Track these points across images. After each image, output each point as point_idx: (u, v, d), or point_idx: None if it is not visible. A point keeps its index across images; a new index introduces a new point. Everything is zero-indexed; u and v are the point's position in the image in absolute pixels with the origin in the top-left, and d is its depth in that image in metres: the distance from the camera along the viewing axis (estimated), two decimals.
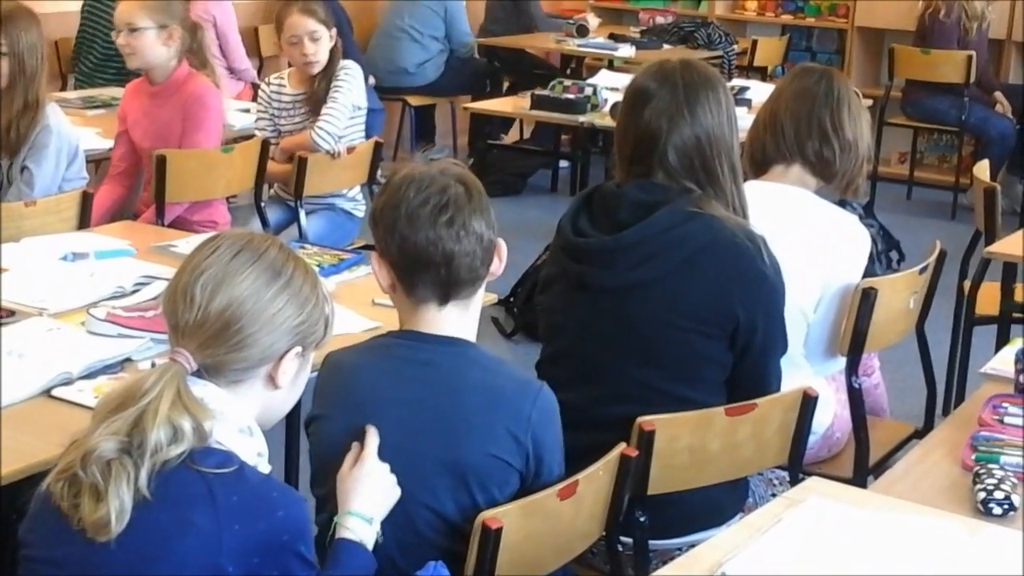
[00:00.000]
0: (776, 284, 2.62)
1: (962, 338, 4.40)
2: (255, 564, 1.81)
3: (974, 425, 2.49)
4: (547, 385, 2.23)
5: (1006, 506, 2.18)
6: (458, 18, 7.88)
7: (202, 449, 1.83)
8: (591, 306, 2.62)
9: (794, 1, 8.81)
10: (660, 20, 8.73)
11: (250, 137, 4.76)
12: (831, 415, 3.14)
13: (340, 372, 2.24)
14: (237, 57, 6.66)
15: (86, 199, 3.83)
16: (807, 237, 3.00)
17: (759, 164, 3.15)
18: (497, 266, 2.23)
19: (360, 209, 4.97)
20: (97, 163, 4.88)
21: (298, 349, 1.97)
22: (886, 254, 5.86)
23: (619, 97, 2.85)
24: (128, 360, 2.66)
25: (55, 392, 2.50)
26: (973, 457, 2.35)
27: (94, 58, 6.00)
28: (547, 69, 8.21)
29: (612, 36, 8.06)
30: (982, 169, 4.59)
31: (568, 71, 8.17)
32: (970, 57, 7.10)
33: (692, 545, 2.31)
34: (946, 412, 4.13)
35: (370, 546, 2.06)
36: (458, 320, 2.21)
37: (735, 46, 7.98)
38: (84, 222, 3.81)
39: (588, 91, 6.19)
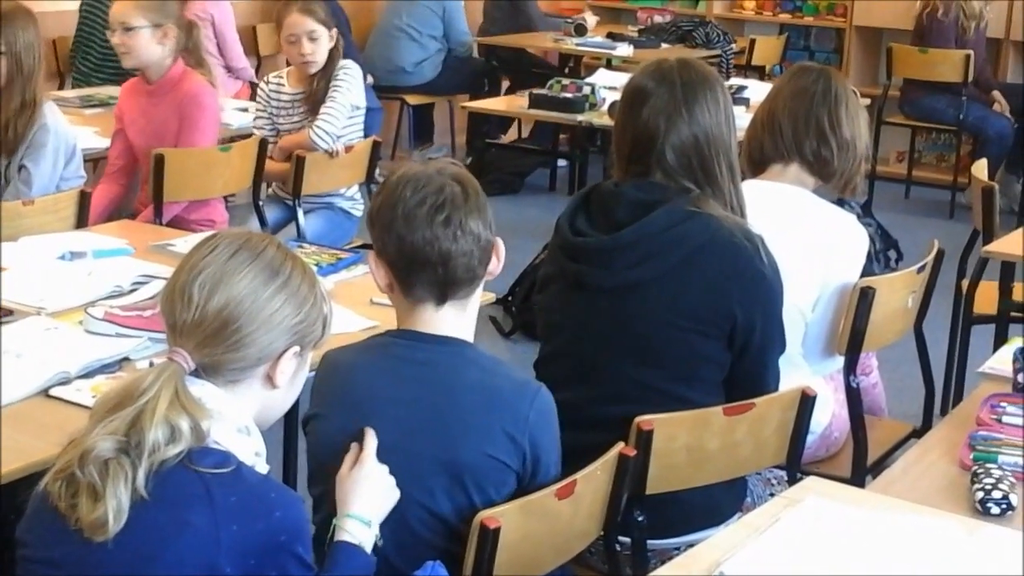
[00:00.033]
0: (774, 283, 2.62)
1: (960, 337, 4.40)
2: (252, 564, 1.81)
3: (972, 424, 2.49)
4: (545, 386, 2.23)
5: (1004, 505, 2.18)
6: (456, 18, 7.88)
7: (200, 449, 1.83)
8: (589, 305, 2.62)
9: (792, 0, 8.82)
10: (658, 19, 8.74)
11: (248, 136, 4.76)
12: (829, 414, 3.14)
13: (337, 371, 2.24)
14: (235, 56, 6.66)
15: (84, 198, 3.82)
16: (805, 236, 3.00)
17: (757, 163, 3.15)
18: (495, 265, 2.23)
19: (358, 208, 4.97)
20: (95, 162, 4.88)
21: (296, 348, 1.97)
22: (884, 253, 5.86)
23: (617, 96, 2.85)
24: (126, 359, 2.66)
25: (53, 391, 2.49)
26: (971, 456, 2.35)
27: (93, 58, 6.00)
28: (546, 68, 8.21)
29: (610, 35, 8.06)
30: (980, 168, 4.60)
31: (566, 70, 8.16)
32: (968, 56, 7.11)
33: (690, 545, 2.31)
34: (944, 411, 4.13)
35: (368, 548, 2.05)
36: (456, 320, 2.21)
37: (733, 45, 7.98)
38: (82, 221, 3.81)
39: (586, 90, 6.19)
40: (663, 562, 2.30)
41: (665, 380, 2.59)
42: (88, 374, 2.57)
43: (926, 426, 3.42)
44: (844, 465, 3.15)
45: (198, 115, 4.38)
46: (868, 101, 6.00)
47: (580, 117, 6.09)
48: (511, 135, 8.34)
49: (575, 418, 2.42)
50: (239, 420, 1.92)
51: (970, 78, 7.17)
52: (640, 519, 2.50)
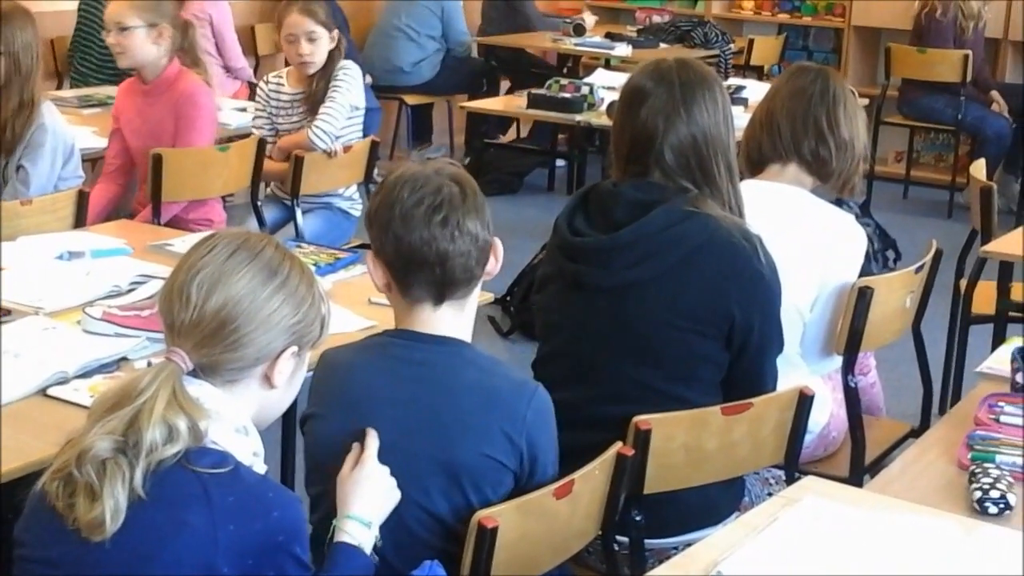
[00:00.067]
0: (772, 283, 2.62)
1: (958, 337, 4.40)
2: (250, 565, 1.81)
3: (970, 424, 2.49)
4: (542, 386, 2.23)
5: (1002, 505, 2.18)
6: (455, 18, 7.88)
7: (197, 449, 1.83)
8: (587, 305, 2.62)
9: (791, 0, 8.82)
10: (657, 19, 8.74)
11: (246, 136, 4.76)
12: (827, 414, 3.14)
13: (335, 371, 2.24)
14: (233, 56, 6.66)
15: (82, 198, 3.82)
16: (803, 236, 3.00)
17: (755, 163, 3.15)
18: (493, 266, 2.23)
19: (357, 208, 4.97)
20: (93, 162, 4.88)
21: (294, 349, 1.97)
22: (882, 253, 5.86)
23: (616, 96, 2.85)
24: (124, 359, 2.66)
25: (51, 391, 2.49)
26: (969, 456, 2.35)
27: (93, 58, 5.99)
28: (544, 68, 8.21)
29: (609, 35, 8.06)
30: (978, 168, 4.60)
31: (565, 70, 8.16)
32: (966, 56, 7.11)
33: (688, 544, 2.31)
34: (942, 411, 4.13)
35: (368, 549, 2.05)
36: (453, 320, 2.21)
37: (731, 45, 7.97)
38: (80, 221, 3.81)
39: (585, 90, 6.18)
40: (661, 562, 2.30)
41: (663, 380, 2.59)
42: (86, 374, 2.57)
43: (924, 426, 3.42)
44: (842, 465, 3.15)
45: (195, 115, 4.38)
46: (866, 101, 6.01)
47: (578, 117, 6.09)
48: (510, 135, 8.34)
49: (573, 418, 2.43)
50: (237, 420, 1.92)
51: (968, 78, 7.17)
52: (638, 519, 2.50)
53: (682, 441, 2.48)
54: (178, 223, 4.36)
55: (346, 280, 3.26)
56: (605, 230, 2.59)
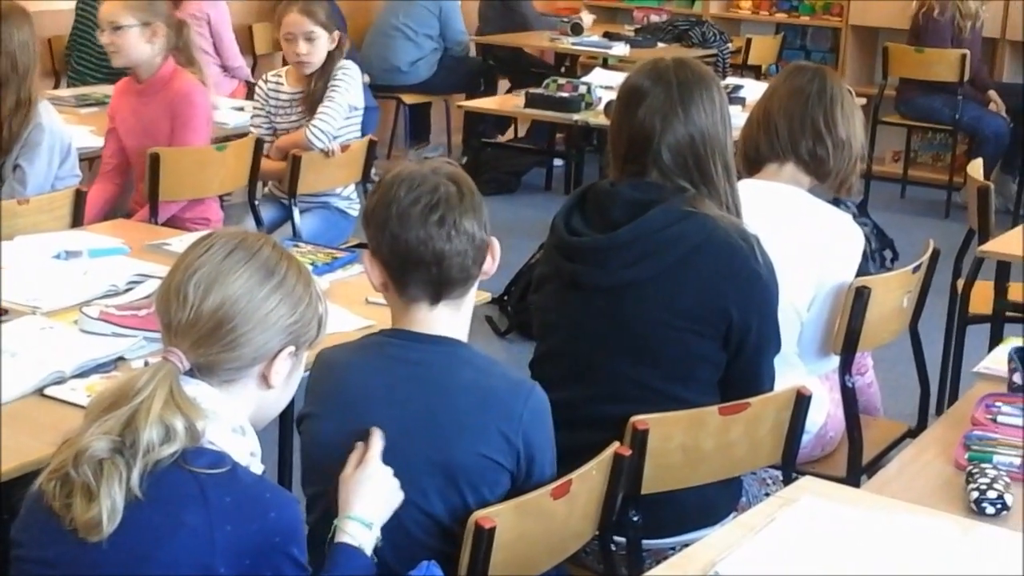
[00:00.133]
0: (769, 283, 2.62)
1: (955, 337, 4.40)
2: (247, 565, 1.81)
3: (967, 424, 2.49)
4: (539, 385, 2.22)
5: (999, 505, 2.18)
6: (453, 17, 7.88)
7: (194, 449, 1.83)
8: (584, 305, 2.62)
9: (788, 0, 8.82)
10: (654, 18, 8.74)
11: (244, 135, 4.76)
12: (824, 414, 3.14)
13: (332, 370, 2.24)
14: (231, 55, 6.66)
15: (79, 197, 3.82)
16: (801, 236, 3.00)
17: (753, 163, 3.15)
18: (490, 265, 2.23)
19: (354, 208, 4.97)
20: (90, 161, 4.88)
21: (291, 348, 1.97)
22: (880, 253, 5.86)
23: (613, 96, 2.84)
24: (121, 359, 2.66)
25: (48, 391, 2.49)
26: (966, 456, 2.35)
27: (91, 57, 5.99)
28: (542, 67, 8.21)
29: (606, 34, 8.06)
30: (976, 168, 4.60)
31: (562, 69, 8.17)
32: (964, 56, 7.11)
33: (685, 544, 2.31)
34: (939, 411, 4.13)
35: (369, 551, 2.05)
36: (450, 320, 2.20)
37: (729, 44, 7.98)
38: (77, 220, 3.80)
39: (582, 89, 6.19)
40: (658, 562, 2.30)
41: (661, 380, 2.59)
42: (83, 373, 2.57)
43: (921, 426, 3.42)
44: (839, 465, 3.15)
45: (191, 113, 4.38)
46: (864, 100, 6.00)
47: (576, 116, 6.09)
48: (507, 135, 8.34)
49: (571, 418, 2.43)
50: (234, 420, 1.92)
51: (966, 78, 7.18)
52: (635, 519, 2.50)
53: (679, 441, 2.47)
54: (175, 222, 4.36)
55: (343, 280, 3.26)
56: (602, 230, 2.59)
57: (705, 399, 2.58)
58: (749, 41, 8.03)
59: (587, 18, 8.13)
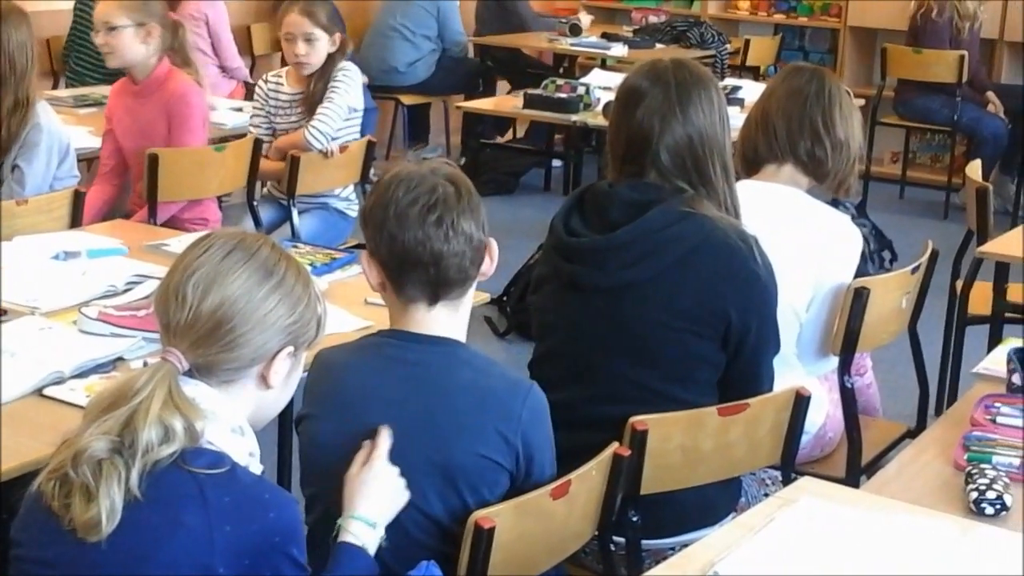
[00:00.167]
0: (768, 284, 2.62)
1: (954, 338, 4.40)
2: (246, 565, 1.80)
3: (966, 425, 2.49)
4: (537, 385, 2.22)
5: (998, 506, 2.18)
6: (451, 18, 7.88)
7: (193, 449, 1.82)
8: (583, 306, 2.62)
9: (787, 1, 8.82)
10: (653, 19, 8.73)
11: (242, 136, 4.76)
12: (824, 415, 3.14)
13: (330, 371, 2.24)
14: (229, 56, 6.66)
15: (78, 198, 3.82)
16: (799, 236, 3.00)
17: (751, 163, 3.15)
18: (488, 266, 2.23)
19: (353, 208, 4.97)
20: (89, 162, 4.87)
21: (290, 349, 1.97)
22: (878, 254, 5.87)
23: (612, 96, 2.85)
24: (120, 359, 2.66)
25: (47, 391, 2.49)
26: (965, 457, 2.35)
27: (89, 57, 5.99)
28: (541, 68, 8.21)
29: (605, 35, 8.06)
30: (974, 169, 4.60)
31: (561, 70, 8.17)
32: (962, 57, 7.11)
33: (685, 545, 2.31)
34: (938, 412, 4.14)
35: (372, 550, 2.05)
36: (448, 320, 2.20)
37: (728, 45, 7.98)
38: (76, 221, 3.80)
39: (581, 90, 6.19)
40: (657, 562, 2.30)
41: (660, 380, 2.59)
42: (82, 374, 2.57)
43: (920, 426, 3.42)
44: (838, 465, 3.15)
45: (187, 114, 4.38)
46: (862, 101, 6.01)
47: (575, 117, 6.09)
48: (508, 136, 8.34)
49: (570, 418, 2.42)
50: (233, 420, 1.92)
51: (964, 79, 7.18)
52: (634, 519, 2.50)
53: (679, 442, 2.47)
54: (173, 222, 4.36)
55: (342, 280, 3.26)
56: (601, 230, 2.59)
57: (704, 400, 2.58)
58: (747, 42, 8.03)
59: (585, 19, 8.14)
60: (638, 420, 2.41)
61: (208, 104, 4.67)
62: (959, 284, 4.40)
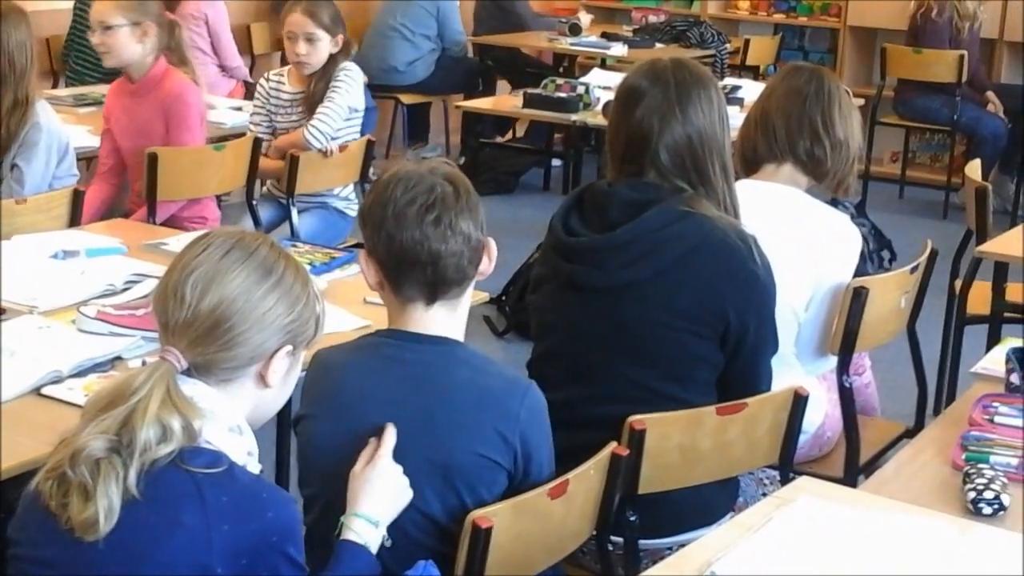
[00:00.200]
0: (767, 284, 2.62)
1: (953, 337, 4.40)
2: (244, 565, 1.80)
3: (964, 425, 2.49)
4: (535, 384, 2.22)
5: (996, 506, 2.18)
6: (451, 17, 7.88)
7: (191, 448, 1.82)
8: (582, 305, 2.62)
9: (787, 0, 8.82)
10: (652, 19, 8.74)
11: (242, 135, 4.76)
12: (822, 414, 3.14)
13: (328, 372, 2.23)
14: (229, 55, 6.66)
15: (77, 197, 3.82)
16: (798, 236, 3.00)
17: (750, 163, 3.15)
18: (487, 266, 2.23)
19: (352, 208, 4.96)
20: (88, 161, 4.88)
21: (288, 348, 1.97)
22: (878, 253, 5.86)
23: (611, 96, 2.85)
24: (118, 358, 2.66)
25: (45, 390, 2.49)
26: (963, 457, 2.35)
27: (88, 57, 5.99)
28: (540, 68, 8.21)
29: (604, 35, 8.06)
30: (974, 168, 4.60)
31: (560, 70, 8.17)
32: (962, 57, 7.11)
33: (682, 544, 2.31)
34: (937, 411, 4.14)
35: (374, 549, 2.05)
36: (446, 320, 2.20)
37: (727, 45, 7.98)
38: (75, 220, 3.80)
39: (580, 90, 6.19)
40: (655, 562, 2.30)
41: (659, 380, 2.59)
42: (80, 373, 2.56)
43: (919, 426, 3.42)
44: (837, 465, 3.15)
45: (184, 113, 4.38)
46: (862, 101, 6.01)
47: (574, 117, 6.09)
48: (508, 135, 8.34)
49: (568, 418, 2.42)
50: (231, 419, 1.92)
51: (964, 78, 7.18)
52: (632, 519, 2.50)
53: (677, 441, 2.47)
54: (173, 222, 4.36)
55: (341, 279, 3.26)
56: (600, 230, 2.59)
57: (703, 399, 2.58)
58: (747, 42, 8.03)
59: (585, 18, 8.14)
60: (636, 420, 2.41)
61: (205, 102, 4.67)
62: (958, 284, 4.40)
